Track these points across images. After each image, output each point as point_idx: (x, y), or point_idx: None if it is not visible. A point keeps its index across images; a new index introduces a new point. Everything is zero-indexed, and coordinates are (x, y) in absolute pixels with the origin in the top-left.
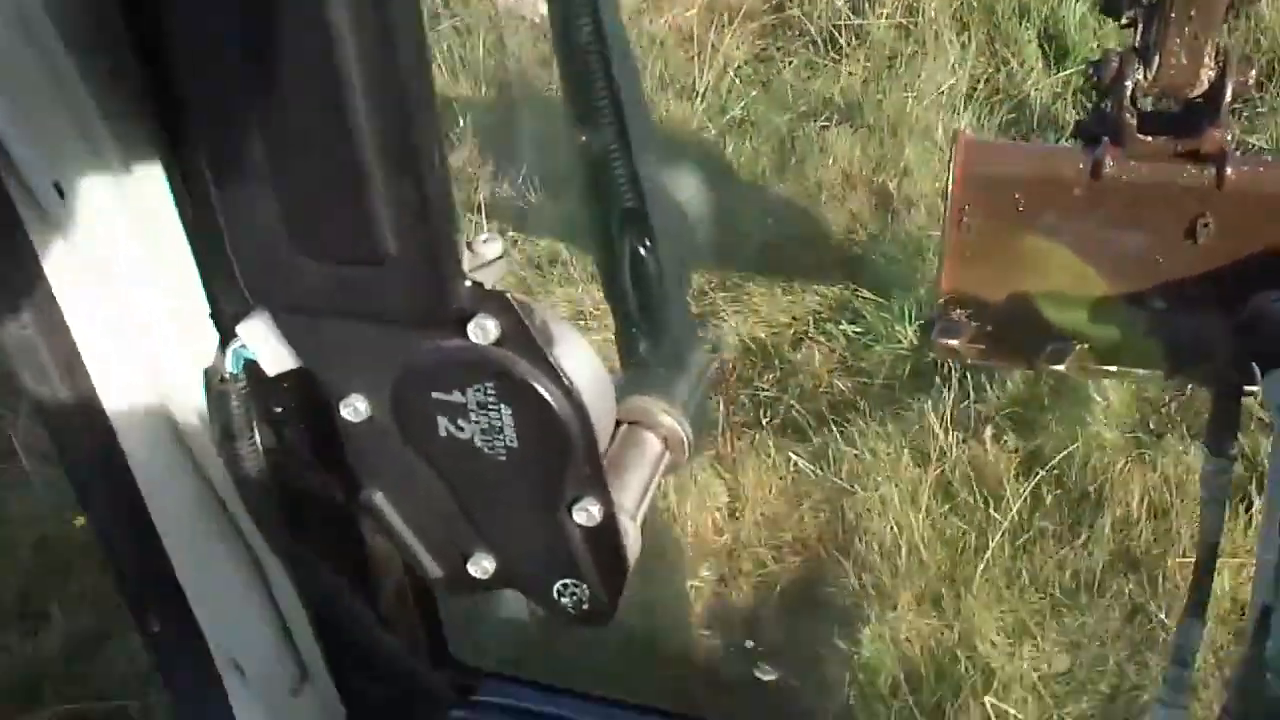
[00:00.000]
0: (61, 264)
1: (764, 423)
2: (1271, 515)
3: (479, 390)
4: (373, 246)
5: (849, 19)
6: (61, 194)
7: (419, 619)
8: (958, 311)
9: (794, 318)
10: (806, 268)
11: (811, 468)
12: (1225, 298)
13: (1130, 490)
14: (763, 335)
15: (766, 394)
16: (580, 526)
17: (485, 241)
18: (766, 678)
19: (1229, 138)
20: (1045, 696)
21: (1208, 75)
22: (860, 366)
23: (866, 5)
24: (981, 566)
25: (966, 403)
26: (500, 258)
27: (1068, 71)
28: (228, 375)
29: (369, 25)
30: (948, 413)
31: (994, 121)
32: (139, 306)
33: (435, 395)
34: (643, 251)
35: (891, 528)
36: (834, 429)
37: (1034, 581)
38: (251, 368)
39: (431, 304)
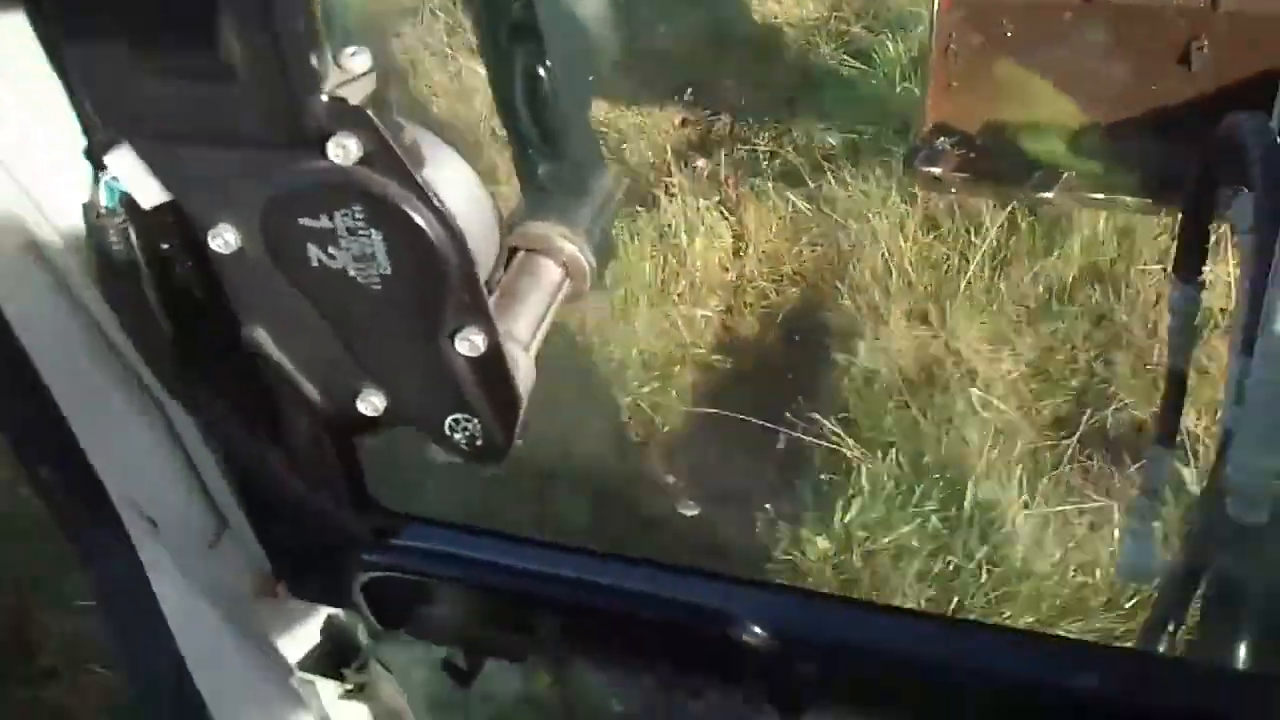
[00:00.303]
0: None
1: (764, 172)
2: (1235, 337)
3: (346, 215)
4: (215, 56)
5: None
6: None
7: (336, 462)
8: (942, 140)
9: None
10: (792, 41)
11: (808, 208)
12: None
13: (1097, 214)
14: (754, 98)
15: (764, 149)
16: (464, 357)
17: (352, 55)
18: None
19: None
20: (1023, 391)
21: None
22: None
23: None
24: (964, 284)
25: None
26: (368, 72)
27: None
28: (104, 210)
29: None
30: None
31: None
32: (15, 141)
33: (303, 222)
34: (539, 69)
35: (883, 254)
36: (828, 175)
37: (1011, 295)
38: (129, 201)
39: (287, 122)
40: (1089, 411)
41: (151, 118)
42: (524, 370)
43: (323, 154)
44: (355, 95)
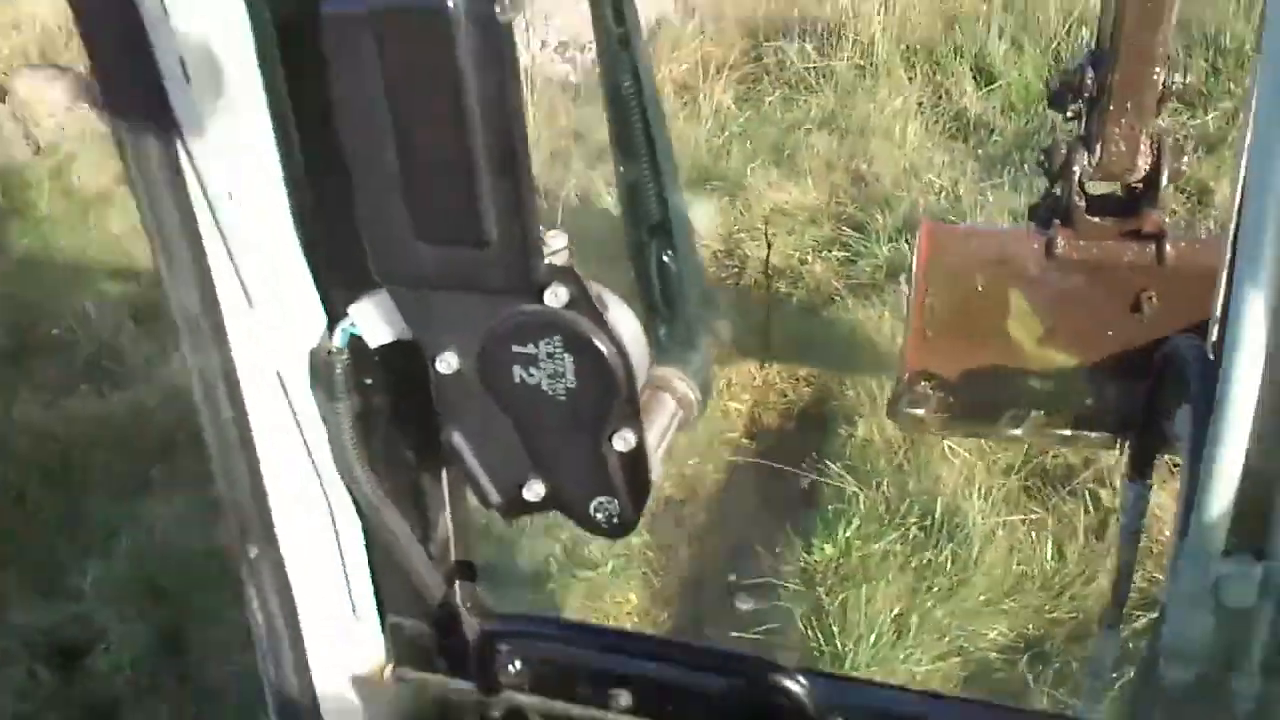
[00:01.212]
0: (223, 263)
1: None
2: (1179, 526)
3: (549, 343)
4: (479, 233)
5: (816, 61)
6: (231, 198)
7: (457, 567)
8: (922, 384)
9: (798, 249)
10: (802, 223)
11: None
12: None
13: None
14: (778, 260)
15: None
16: (618, 452)
17: (553, 235)
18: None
19: (1166, 218)
20: (982, 445)
21: (1145, 162)
22: (848, 273)
23: (830, 49)
24: None
25: None
26: (565, 248)
27: (994, 89)
28: (334, 349)
29: (485, 67)
30: None
31: (938, 128)
32: (266, 293)
33: (514, 348)
34: (666, 258)
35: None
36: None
37: None
38: (354, 343)
39: (519, 277)
40: (1033, 457)
41: (415, 271)
42: (655, 467)
43: (540, 299)
44: (559, 261)
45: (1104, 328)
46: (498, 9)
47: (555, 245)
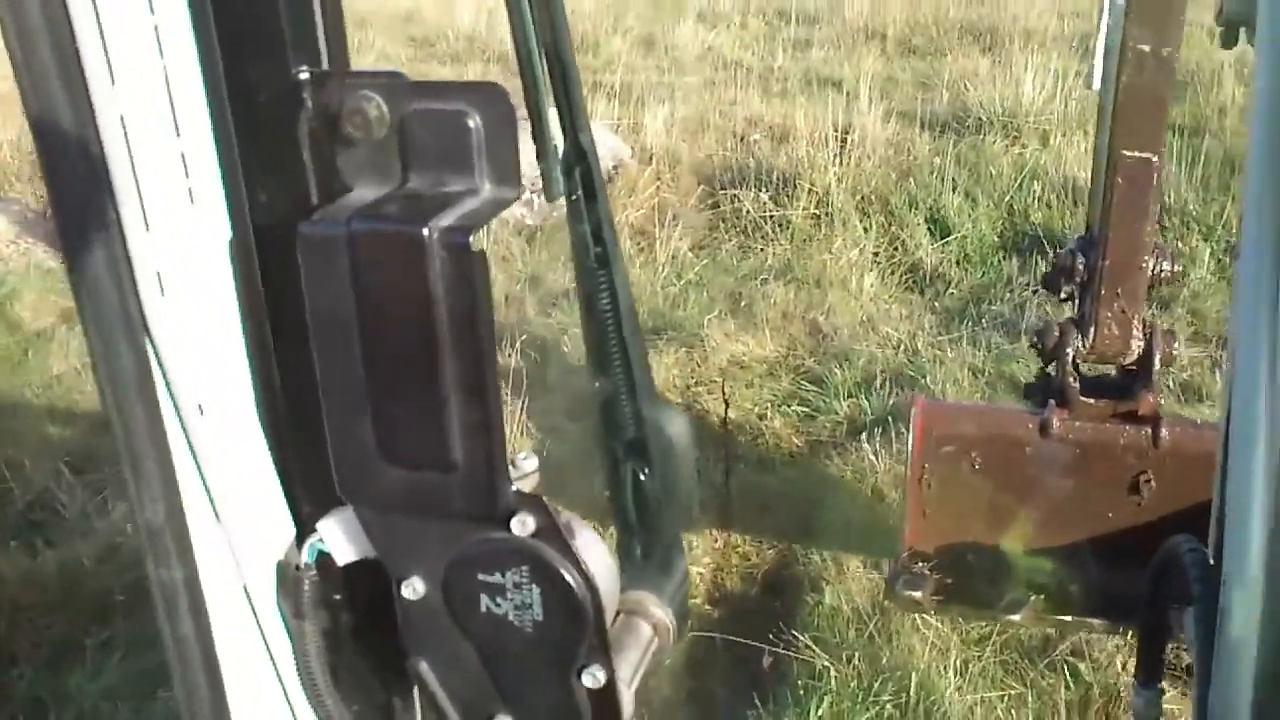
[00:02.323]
0: (191, 476)
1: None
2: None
3: (515, 573)
4: (445, 458)
5: (772, 210)
6: (202, 412)
7: None
8: (919, 565)
9: (756, 403)
10: (761, 376)
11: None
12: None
13: None
14: (736, 415)
15: (740, 449)
16: (587, 689)
17: (525, 459)
18: None
19: (1160, 401)
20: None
21: (1138, 345)
22: (808, 429)
23: (786, 198)
24: None
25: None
26: (535, 471)
27: (949, 241)
28: (302, 564)
29: (457, 293)
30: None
31: (894, 279)
32: (234, 506)
33: (480, 577)
34: (641, 476)
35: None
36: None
37: None
38: (321, 558)
39: (485, 504)
40: (1007, 628)
41: (382, 493)
42: (627, 704)
43: (506, 527)
44: (526, 487)
45: (1102, 510)
46: (471, 239)
47: (525, 469)
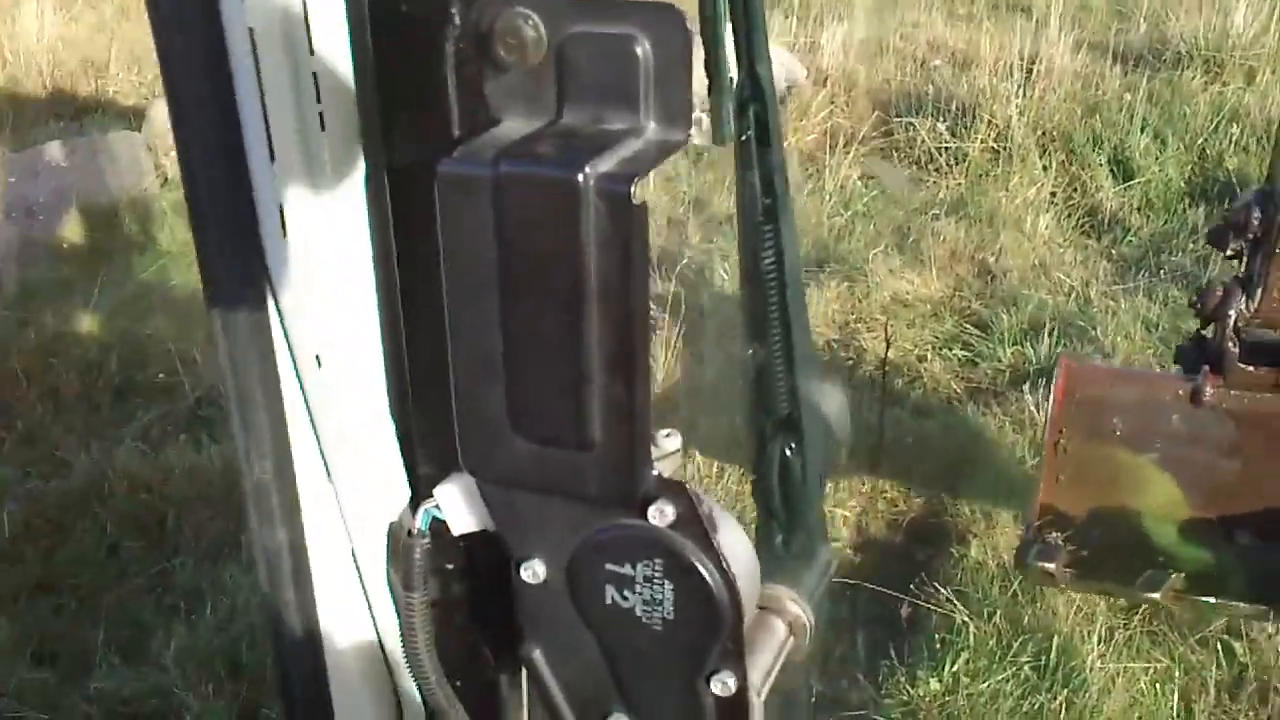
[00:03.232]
0: (304, 432)
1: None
2: None
3: (648, 565)
4: (582, 435)
5: (947, 141)
6: (319, 364)
7: None
8: (1054, 535)
9: (916, 344)
10: (923, 316)
11: None
12: None
13: None
14: (895, 356)
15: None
16: (716, 696)
17: (667, 436)
18: None
19: None
20: None
21: None
22: (969, 376)
23: (964, 130)
24: None
25: None
26: (677, 451)
27: (1132, 185)
28: (415, 530)
29: (611, 251)
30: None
31: (1071, 223)
32: (346, 466)
33: (609, 566)
34: (789, 455)
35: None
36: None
37: None
38: (436, 525)
39: (622, 488)
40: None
41: (509, 467)
42: (756, 712)
43: (643, 515)
44: (667, 469)
45: (1256, 486)
46: (632, 189)
47: (667, 449)
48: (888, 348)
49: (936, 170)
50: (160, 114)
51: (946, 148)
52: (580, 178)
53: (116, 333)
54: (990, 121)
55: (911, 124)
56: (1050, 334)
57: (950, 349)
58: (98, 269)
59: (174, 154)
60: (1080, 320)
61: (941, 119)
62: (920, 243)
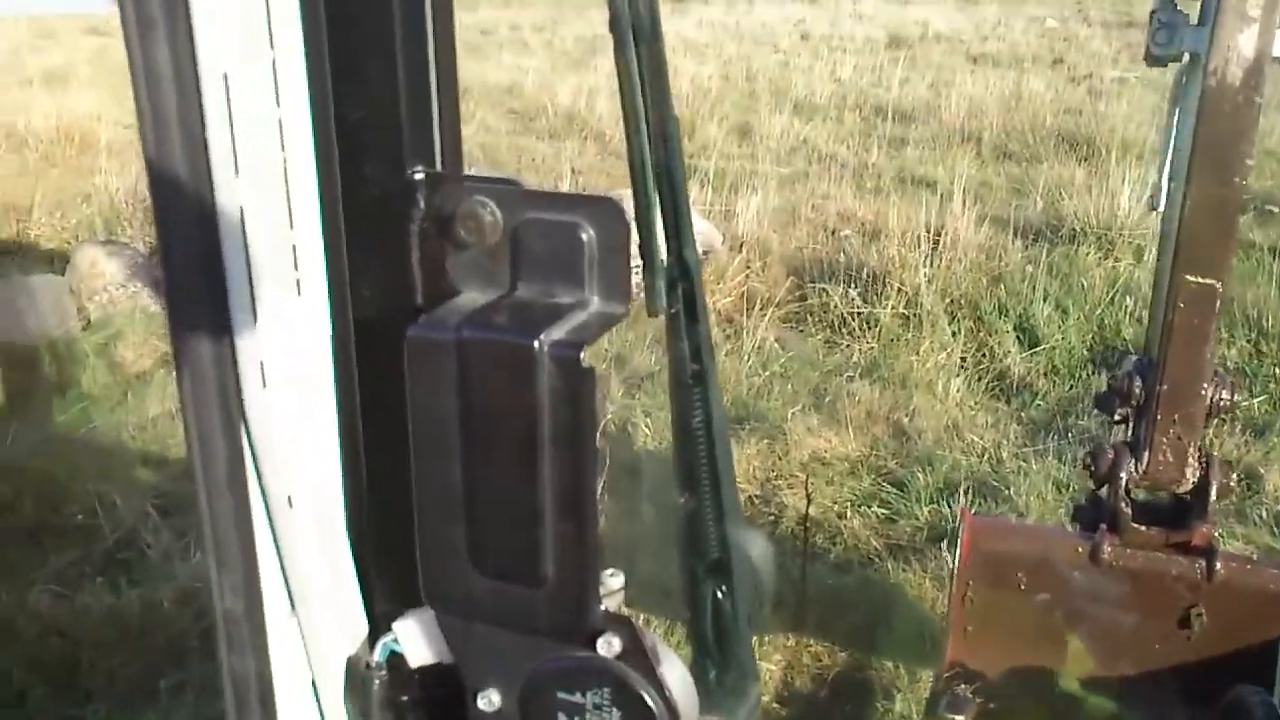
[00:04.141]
0: (273, 567)
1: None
2: None
3: (597, 694)
4: (537, 572)
5: (859, 307)
6: (291, 504)
7: None
8: (962, 686)
9: (835, 501)
10: (842, 474)
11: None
12: (1215, 689)
13: None
14: (815, 512)
15: (818, 547)
16: None
17: (612, 575)
18: None
19: (1216, 533)
20: None
21: (1193, 473)
22: (888, 533)
23: (875, 296)
24: None
25: None
26: (620, 590)
27: (1038, 351)
28: (373, 663)
29: (563, 407)
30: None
31: (981, 386)
32: (311, 599)
33: (560, 695)
34: (720, 596)
35: (918, 629)
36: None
37: None
38: (393, 659)
39: (572, 621)
40: None
41: (467, 601)
42: None
43: (592, 647)
44: (612, 605)
45: (1150, 641)
46: (582, 355)
47: (612, 586)
48: (809, 504)
49: (850, 334)
50: (84, 258)
51: (859, 313)
52: (536, 344)
53: (33, 474)
54: (900, 289)
55: (824, 289)
56: (965, 493)
57: (869, 506)
58: (15, 410)
59: (97, 297)
60: (994, 480)
61: (853, 285)
62: (837, 403)
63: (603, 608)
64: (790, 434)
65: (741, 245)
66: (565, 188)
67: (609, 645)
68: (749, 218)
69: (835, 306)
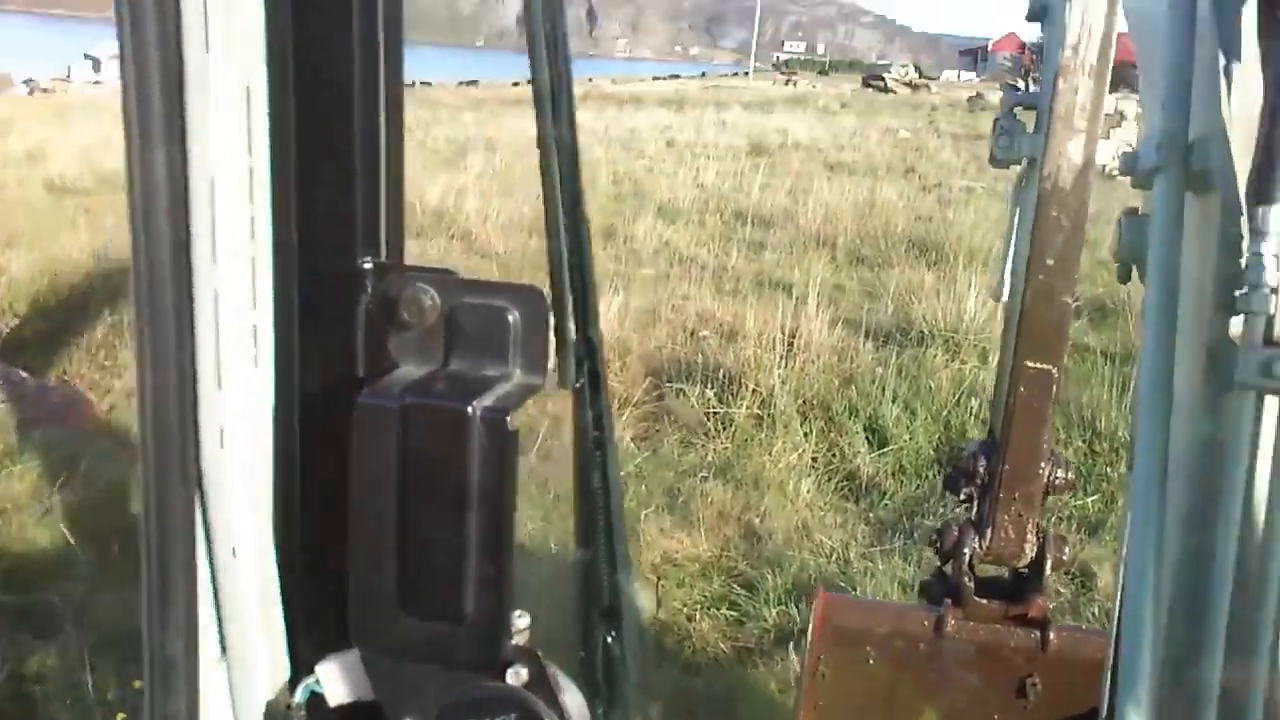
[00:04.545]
0: (209, 613)
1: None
2: None
3: (504, 719)
4: (459, 610)
5: (715, 407)
6: (235, 554)
7: None
8: None
9: (686, 604)
10: (692, 576)
11: None
12: None
13: None
14: (665, 615)
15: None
16: None
17: (519, 616)
18: None
19: (1050, 605)
20: None
21: (1031, 549)
22: (736, 635)
23: (730, 397)
24: None
25: None
26: (526, 629)
27: (886, 452)
28: (293, 704)
29: (490, 462)
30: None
31: (831, 486)
32: (240, 645)
33: None
34: (611, 640)
35: None
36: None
37: None
38: (313, 700)
39: (487, 654)
40: None
41: (392, 640)
42: None
43: (502, 677)
44: (520, 641)
45: (990, 711)
46: (509, 418)
47: (519, 625)
48: (658, 607)
49: (705, 434)
50: None
51: (714, 413)
52: (470, 409)
53: None
54: (755, 390)
55: (682, 390)
56: (813, 595)
57: (718, 608)
58: None
59: None
60: (841, 580)
61: (710, 386)
62: (690, 503)
63: (512, 642)
64: (643, 535)
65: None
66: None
67: (518, 675)
68: (610, 317)
69: (692, 407)
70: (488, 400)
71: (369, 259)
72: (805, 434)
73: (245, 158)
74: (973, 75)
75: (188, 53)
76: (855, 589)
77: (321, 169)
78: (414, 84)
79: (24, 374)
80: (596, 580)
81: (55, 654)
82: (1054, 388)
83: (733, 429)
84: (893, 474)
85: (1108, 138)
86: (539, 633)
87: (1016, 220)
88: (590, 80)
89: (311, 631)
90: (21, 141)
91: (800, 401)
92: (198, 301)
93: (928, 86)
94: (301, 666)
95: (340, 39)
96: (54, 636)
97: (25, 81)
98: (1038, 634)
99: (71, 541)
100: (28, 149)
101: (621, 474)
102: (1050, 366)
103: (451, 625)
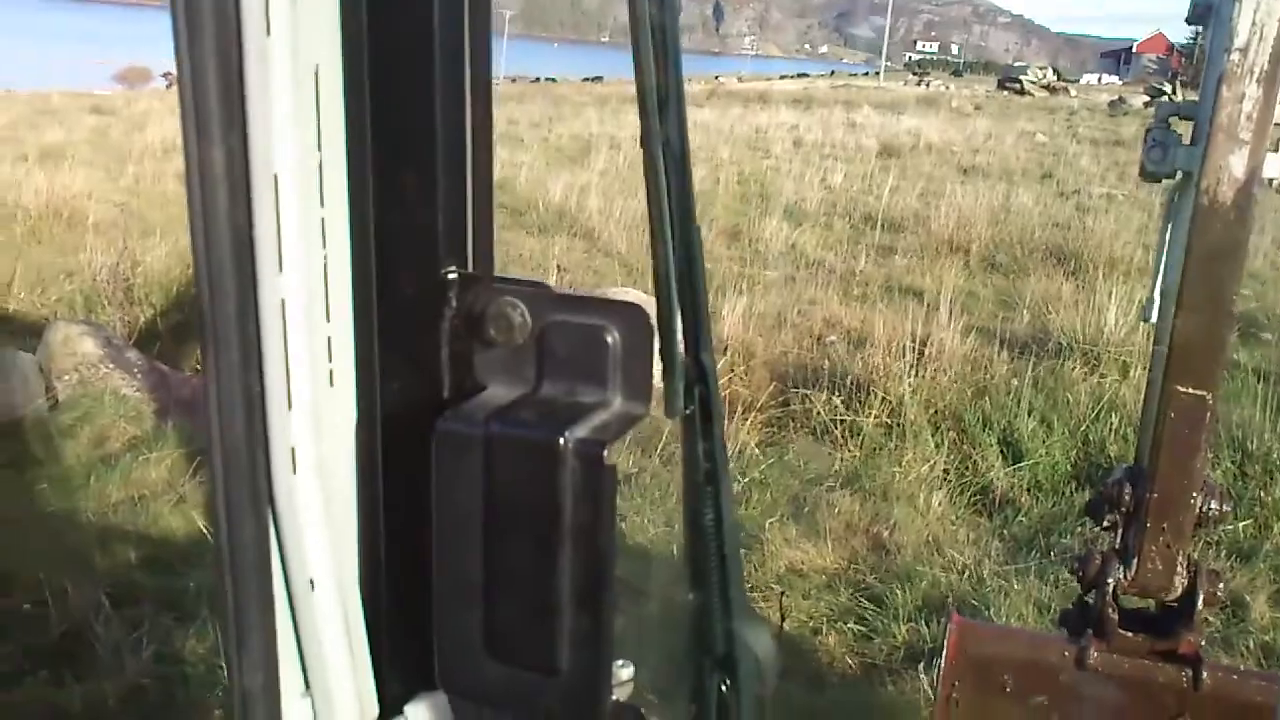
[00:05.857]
0: (290, 649)
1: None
2: None
3: None
4: (551, 661)
5: (843, 414)
6: (313, 587)
7: None
8: None
9: (811, 616)
10: (818, 588)
11: None
12: None
13: None
14: (790, 628)
15: (791, 664)
16: None
17: (622, 666)
18: None
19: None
20: None
21: (1181, 581)
22: (864, 651)
23: (858, 404)
24: None
25: None
26: (630, 680)
27: (1021, 466)
28: None
29: (585, 501)
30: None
31: (963, 500)
32: (324, 681)
33: None
34: (725, 689)
35: None
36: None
37: None
38: None
39: (585, 711)
40: None
41: (479, 686)
42: None
43: None
44: (623, 694)
45: None
46: (605, 452)
47: (622, 677)
48: (783, 620)
49: (832, 442)
50: (57, 336)
51: (841, 420)
52: (561, 441)
53: None
54: (884, 398)
55: (808, 396)
56: (944, 612)
57: (845, 623)
58: None
59: (67, 376)
60: (974, 599)
61: (837, 393)
62: (816, 513)
63: (614, 698)
64: (767, 544)
65: (726, 348)
66: (551, 284)
67: None
68: (734, 320)
69: (818, 413)
70: (582, 430)
71: (453, 269)
72: (936, 445)
73: (314, 154)
74: (1115, 78)
75: (247, 35)
76: (989, 608)
77: (401, 168)
78: (539, 80)
79: (160, 364)
80: (709, 626)
81: (195, 637)
82: (1208, 415)
83: (861, 437)
84: (1028, 489)
85: (1276, 150)
86: (645, 683)
87: (1168, 237)
88: (716, 78)
89: (396, 669)
90: (159, 133)
91: (931, 411)
92: (262, 312)
93: (1066, 89)
94: (391, 705)
95: (420, 21)
96: (192, 621)
97: (164, 75)
98: (1189, 672)
99: (203, 529)
100: (164, 141)
101: (746, 482)
102: (1204, 392)
103: (543, 676)
